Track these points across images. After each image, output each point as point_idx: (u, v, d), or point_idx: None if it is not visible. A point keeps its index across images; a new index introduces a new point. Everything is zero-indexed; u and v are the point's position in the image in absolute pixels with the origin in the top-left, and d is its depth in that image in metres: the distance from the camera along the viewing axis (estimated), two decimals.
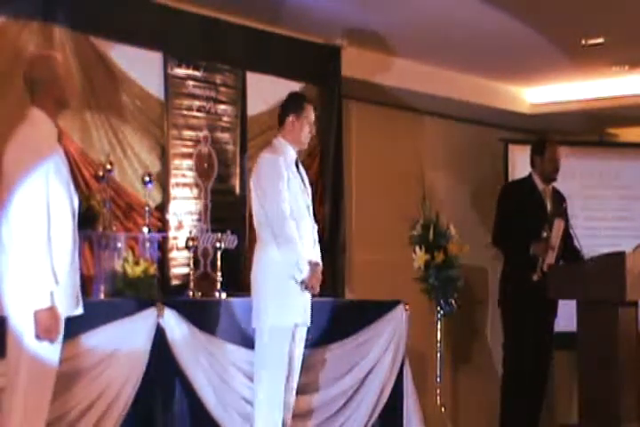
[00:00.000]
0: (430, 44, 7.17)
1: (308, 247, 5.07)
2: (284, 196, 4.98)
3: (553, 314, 6.86)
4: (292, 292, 5.00)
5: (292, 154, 5.14)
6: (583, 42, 7.09)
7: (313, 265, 5.03)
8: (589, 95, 8.35)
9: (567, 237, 6.81)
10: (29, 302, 3.91)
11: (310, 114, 5.19)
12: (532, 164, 6.98)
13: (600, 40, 7.05)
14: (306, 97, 5.35)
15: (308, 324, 5.16)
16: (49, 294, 3.93)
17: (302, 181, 5.17)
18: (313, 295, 5.14)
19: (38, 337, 3.92)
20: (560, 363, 8.35)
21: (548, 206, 6.86)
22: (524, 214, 6.75)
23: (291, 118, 5.16)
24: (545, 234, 6.61)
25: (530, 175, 6.99)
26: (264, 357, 5.00)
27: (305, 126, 5.16)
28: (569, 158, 8.00)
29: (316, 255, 5.17)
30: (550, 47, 7.19)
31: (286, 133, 5.17)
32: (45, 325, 3.92)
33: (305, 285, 4.99)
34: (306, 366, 5.40)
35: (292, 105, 5.21)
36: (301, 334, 5.16)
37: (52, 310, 3.94)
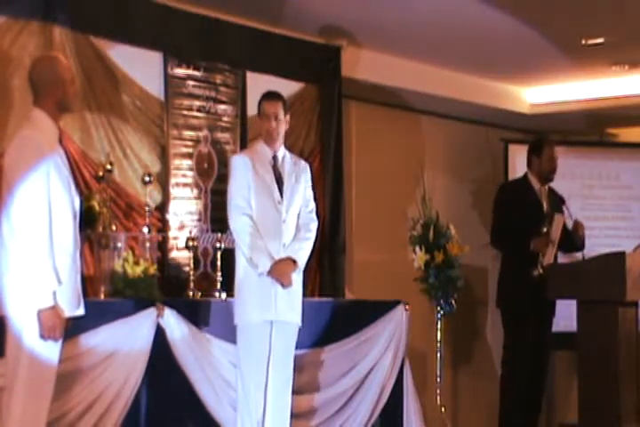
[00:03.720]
0: (430, 44, 7.17)
1: (271, 243, 4.98)
2: (241, 194, 5.00)
3: (552, 313, 6.86)
4: (254, 288, 4.96)
5: (266, 152, 5.12)
6: (583, 42, 7.09)
7: (282, 259, 4.96)
8: (589, 95, 8.35)
9: (567, 234, 6.83)
10: (32, 301, 3.91)
11: (266, 108, 5.12)
12: (529, 164, 6.96)
13: (600, 40, 7.05)
14: (267, 94, 5.21)
15: (293, 320, 5.04)
16: (52, 293, 3.94)
17: (279, 177, 5.11)
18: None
19: (42, 337, 3.93)
20: (560, 363, 8.36)
21: (545, 206, 6.85)
22: (521, 214, 6.75)
23: (257, 121, 5.25)
24: (545, 229, 6.62)
25: (525, 175, 6.98)
26: (238, 355, 5.00)
27: (264, 123, 5.14)
28: (569, 158, 8.01)
29: (292, 251, 5.03)
30: (550, 47, 7.19)
31: (261, 135, 5.21)
32: (49, 324, 3.92)
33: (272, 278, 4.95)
34: (306, 366, 5.39)
35: (257, 109, 5.22)
36: (284, 332, 5.04)
37: (54, 309, 3.94)
